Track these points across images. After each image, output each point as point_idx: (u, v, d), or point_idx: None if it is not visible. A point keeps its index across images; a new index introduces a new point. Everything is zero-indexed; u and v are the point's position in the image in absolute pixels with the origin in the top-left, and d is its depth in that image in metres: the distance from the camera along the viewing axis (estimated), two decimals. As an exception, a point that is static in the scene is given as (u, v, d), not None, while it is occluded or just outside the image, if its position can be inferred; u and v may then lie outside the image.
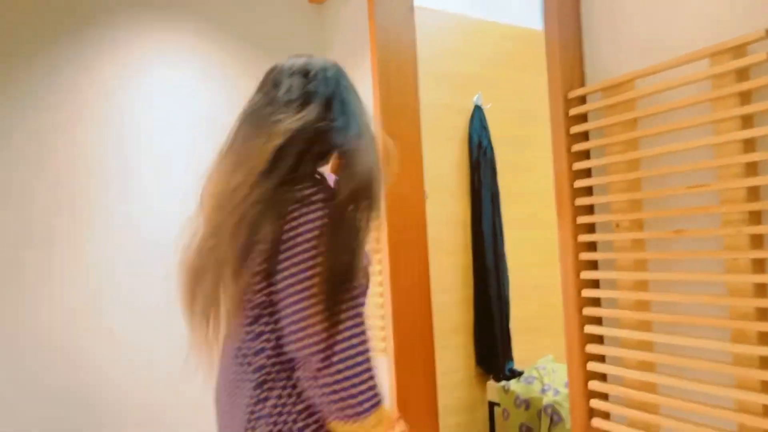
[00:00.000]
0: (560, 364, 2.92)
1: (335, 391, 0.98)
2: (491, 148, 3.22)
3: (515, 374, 3.02)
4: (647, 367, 1.39)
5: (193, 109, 2.53)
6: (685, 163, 1.29)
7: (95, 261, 2.30)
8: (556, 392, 2.67)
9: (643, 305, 1.40)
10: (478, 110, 3.17)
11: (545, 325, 3.42)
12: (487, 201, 3.15)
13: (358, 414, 0.99)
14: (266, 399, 1.03)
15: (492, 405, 2.99)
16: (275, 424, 1.03)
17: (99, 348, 2.28)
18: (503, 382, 2.90)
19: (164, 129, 2.46)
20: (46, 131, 2.24)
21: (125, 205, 2.36)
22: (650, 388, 1.39)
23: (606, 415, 1.49)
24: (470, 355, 3.17)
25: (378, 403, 1.01)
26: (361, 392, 0.99)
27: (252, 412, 1.04)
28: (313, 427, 1.04)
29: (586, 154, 1.52)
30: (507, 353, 3.10)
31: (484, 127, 3.22)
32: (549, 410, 2.61)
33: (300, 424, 1.04)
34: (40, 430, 2.15)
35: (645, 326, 1.40)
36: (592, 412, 1.50)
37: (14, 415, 2.11)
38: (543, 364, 2.92)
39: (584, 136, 1.52)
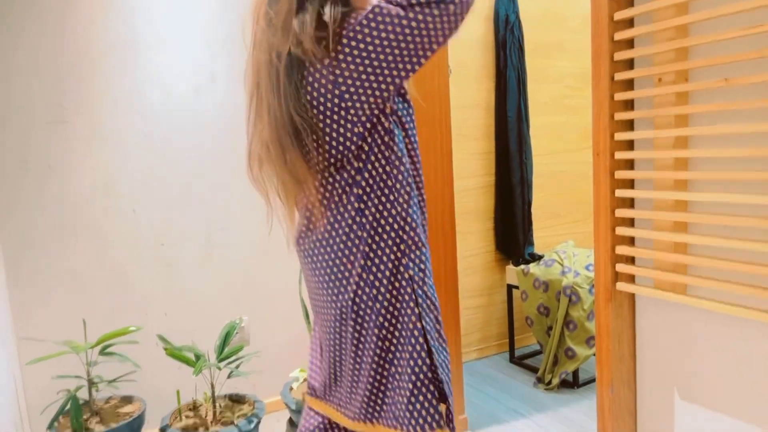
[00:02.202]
0: (581, 248, 2.91)
1: None
2: (519, 25, 3.01)
3: (535, 258, 3.03)
4: (680, 227, 1.34)
5: (201, -22, 2.37)
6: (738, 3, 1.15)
7: (111, 140, 2.26)
8: (576, 274, 2.67)
9: (681, 163, 1.32)
10: (506, -20, 2.93)
11: (567, 212, 3.38)
12: (513, 83, 2.99)
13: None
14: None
15: (510, 288, 3.02)
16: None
17: (122, 228, 2.31)
18: (522, 266, 2.91)
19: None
20: (53, 5, 2.12)
21: (136, 81, 2.29)
22: (681, 248, 1.35)
23: (631, 278, 1.47)
24: (490, 240, 3.17)
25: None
26: None
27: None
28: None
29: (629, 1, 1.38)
30: (527, 238, 3.09)
31: (512, 1, 2.99)
32: (568, 291, 2.63)
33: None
34: (68, 310, 2.24)
35: (681, 186, 1.33)
36: (617, 277, 1.47)
37: (42, 296, 2.19)
38: (563, 248, 2.91)
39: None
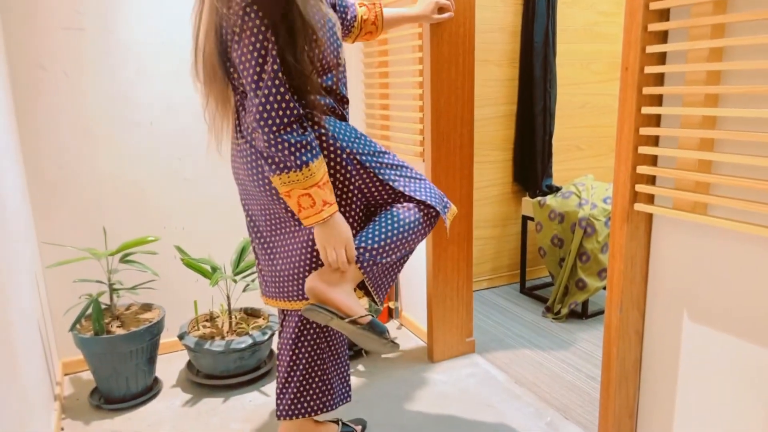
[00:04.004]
0: (601, 182, 2.86)
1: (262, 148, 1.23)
2: (552, -58, 2.84)
3: (552, 190, 2.99)
4: (706, 145, 1.30)
5: None
6: None
7: (129, 50, 2.23)
8: (594, 206, 2.64)
9: (713, 77, 1.26)
10: None
11: (589, 145, 3.31)
12: (542, 5, 2.85)
13: (272, 171, 1.22)
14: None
15: (525, 219, 3.01)
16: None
17: (139, 141, 2.31)
18: (539, 197, 2.88)
19: None
20: None
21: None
22: (705, 167, 1.31)
23: (650, 199, 1.44)
24: (508, 171, 3.13)
25: (295, 166, 1.20)
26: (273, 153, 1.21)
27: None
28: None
29: None
30: (546, 170, 3.05)
31: None
32: (584, 222, 2.61)
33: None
34: (88, 219, 2.28)
35: (711, 101, 1.28)
36: (635, 197, 1.45)
37: (62, 203, 2.23)
38: (582, 181, 2.86)
39: None
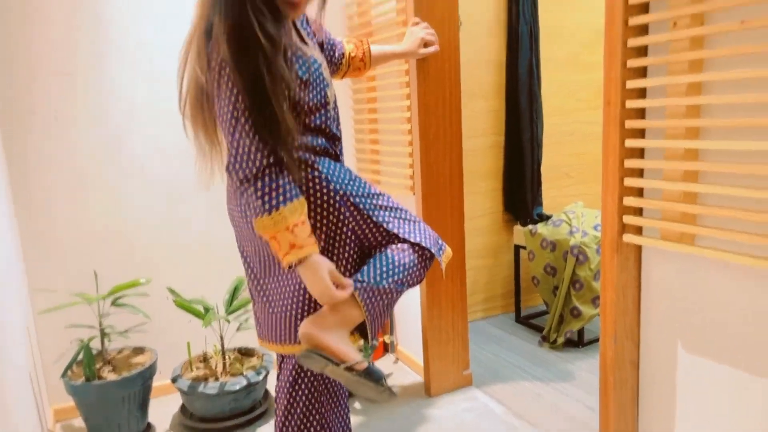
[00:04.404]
0: (590, 209, 2.89)
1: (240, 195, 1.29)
2: (532, -22, 2.92)
3: (543, 218, 3.01)
4: (690, 177, 1.32)
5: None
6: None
7: (116, 94, 2.25)
8: (585, 234, 2.66)
9: (693, 111, 1.29)
10: (520, -70, 2.84)
11: (578, 172, 3.35)
12: (525, 39, 2.92)
13: (254, 215, 1.26)
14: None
15: (518, 248, 3.02)
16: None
17: (130, 183, 2.32)
18: (530, 226, 2.90)
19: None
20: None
21: (145, 31, 2.26)
22: (691, 198, 1.33)
23: (638, 230, 1.45)
24: (498, 201, 3.15)
25: (264, 210, 1.24)
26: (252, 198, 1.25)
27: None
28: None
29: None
30: (536, 199, 3.07)
31: (525, -47, 2.89)
32: (575, 250, 2.62)
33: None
34: (78, 263, 2.27)
35: (693, 134, 1.30)
36: (624, 228, 1.46)
37: (53, 249, 2.22)
38: (572, 209, 2.89)
39: None
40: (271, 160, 1.25)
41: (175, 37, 2.31)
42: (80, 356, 2.07)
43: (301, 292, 1.38)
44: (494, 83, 3.02)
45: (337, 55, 1.72)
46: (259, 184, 1.24)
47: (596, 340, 2.77)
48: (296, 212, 1.27)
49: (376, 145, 2.57)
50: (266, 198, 1.24)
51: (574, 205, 2.96)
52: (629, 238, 1.45)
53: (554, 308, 2.73)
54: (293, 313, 1.41)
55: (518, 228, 3.00)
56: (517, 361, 2.62)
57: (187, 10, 2.35)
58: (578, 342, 2.74)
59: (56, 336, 2.24)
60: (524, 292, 3.22)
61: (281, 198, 1.25)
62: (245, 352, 2.36)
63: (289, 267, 1.28)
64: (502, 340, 2.87)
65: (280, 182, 1.25)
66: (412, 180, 2.31)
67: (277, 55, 1.25)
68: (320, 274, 1.29)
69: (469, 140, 2.99)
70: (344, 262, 1.43)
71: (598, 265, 2.60)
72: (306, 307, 1.39)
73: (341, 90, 2.70)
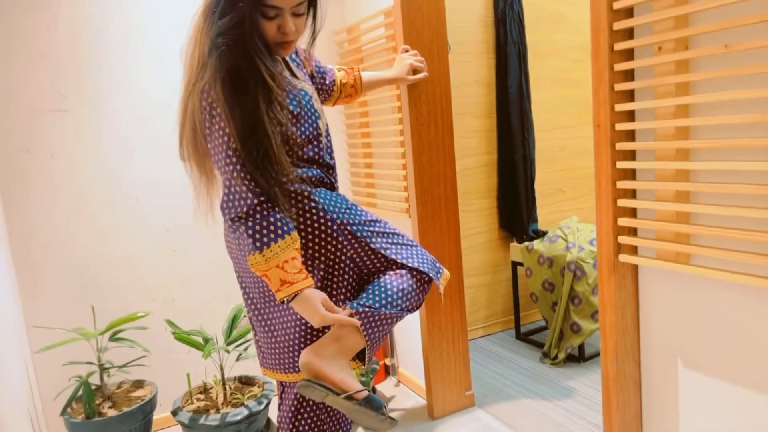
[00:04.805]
0: (585, 223, 2.90)
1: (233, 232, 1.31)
2: (519, -1, 2.97)
3: (539, 235, 3.02)
4: (682, 197, 1.34)
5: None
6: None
7: (111, 127, 2.26)
8: (581, 249, 2.67)
9: (682, 132, 1.31)
10: (504, -47, 2.89)
11: (571, 187, 3.37)
12: (514, 58, 2.96)
13: (246, 252, 1.27)
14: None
15: (515, 265, 3.03)
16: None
17: (127, 215, 2.32)
18: (526, 243, 2.91)
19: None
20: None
21: (136, 64, 2.28)
22: (684, 218, 1.34)
23: (634, 250, 1.47)
24: (494, 218, 3.17)
25: (256, 249, 1.25)
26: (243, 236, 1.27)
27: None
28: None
29: (628, -30, 1.35)
30: (531, 215, 3.09)
31: (510, -25, 2.94)
32: (572, 266, 2.63)
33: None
34: (76, 298, 2.26)
35: (683, 155, 1.32)
36: (619, 249, 1.47)
37: (50, 285, 2.21)
38: (567, 224, 2.91)
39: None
40: (263, 198, 1.27)
41: (169, 72, 2.33)
42: (79, 392, 2.05)
43: (304, 320, 1.38)
44: (485, 103, 3.05)
45: (328, 82, 1.75)
46: (250, 222, 1.25)
47: (597, 355, 2.76)
48: (288, 249, 1.27)
49: (371, 169, 2.58)
50: (257, 236, 1.25)
51: (569, 219, 2.97)
52: (625, 258, 1.46)
53: (554, 324, 2.74)
54: (297, 341, 1.41)
55: (514, 245, 3.01)
56: (519, 379, 2.61)
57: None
58: (579, 357, 2.74)
59: (54, 373, 2.22)
60: (523, 308, 3.22)
61: (272, 236, 1.26)
62: (246, 381, 2.34)
63: (282, 302, 1.29)
64: (503, 358, 2.87)
65: (271, 219, 1.26)
66: (407, 203, 2.32)
67: (276, 93, 1.27)
68: (313, 306, 1.30)
69: (463, 159, 3.01)
70: (343, 290, 1.43)
71: (595, 279, 2.61)
72: (310, 335, 1.39)
73: (334, 115, 2.72)
